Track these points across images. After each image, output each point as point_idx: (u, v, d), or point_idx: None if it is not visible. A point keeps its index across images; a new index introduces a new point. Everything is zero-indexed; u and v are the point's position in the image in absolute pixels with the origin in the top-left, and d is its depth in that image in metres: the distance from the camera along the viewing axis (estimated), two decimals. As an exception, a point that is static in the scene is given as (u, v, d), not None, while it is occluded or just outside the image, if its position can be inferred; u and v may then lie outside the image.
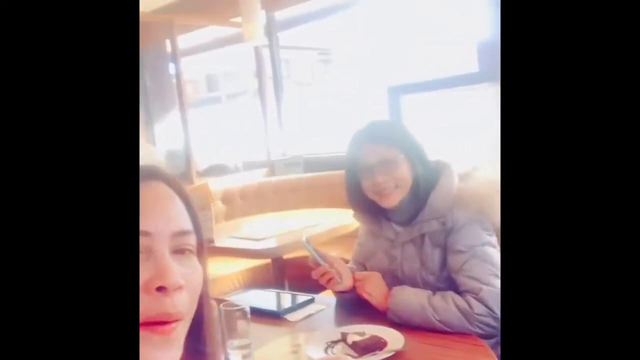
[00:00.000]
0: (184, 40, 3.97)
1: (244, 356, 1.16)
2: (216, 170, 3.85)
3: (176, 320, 0.51)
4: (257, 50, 3.93)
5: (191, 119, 3.63)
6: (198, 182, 3.33)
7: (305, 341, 1.23)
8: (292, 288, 2.22)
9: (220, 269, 2.80)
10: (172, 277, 0.50)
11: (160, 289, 0.50)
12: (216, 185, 3.30)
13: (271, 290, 1.69)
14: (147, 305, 0.49)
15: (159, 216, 0.53)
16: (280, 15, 3.99)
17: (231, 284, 2.80)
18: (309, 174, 3.47)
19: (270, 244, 2.23)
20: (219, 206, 3.32)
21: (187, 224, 0.56)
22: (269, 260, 2.46)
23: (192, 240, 0.56)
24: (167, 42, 3.87)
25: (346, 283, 1.35)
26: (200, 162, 3.80)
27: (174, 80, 4.07)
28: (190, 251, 0.55)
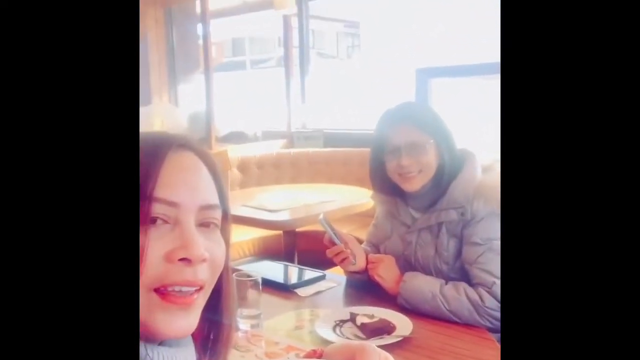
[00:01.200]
0: (214, 1, 3.93)
1: (253, 326, 1.17)
2: (235, 137, 3.85)
3: (197, 290, 0.52)
4: (285, 19, 3.88)
5: (215, 83, 3.61)
6: (217, 147, 3.34)
7: (313, 318, 1.24)
8: (301, 260, 2.24)
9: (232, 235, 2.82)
10: (197, 250, 0.50)
11: (183, 259, 0.50)
12: (234, 152, 3.31)
13: (284, 263, 1.70)
14: (168, 273, 0.50)
15: (188, 188, 0.53)
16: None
17: (241, 251, 2.83)
18: (328, 149, 3.45)
19: (283, 216, 2.24)
20: (234, 174, 3.33)
21: (214, 198, 0.56)
22: (279, 231, 2.47)
23: (217, 214, 0.56)
24: (197, 2, 3.83)
25: (359, 264, 1.35)
26: (221, 127, 3.80)
27: (200, 42, 4.04)
28: (216, 225, 0.55)
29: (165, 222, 0.51)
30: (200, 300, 0.53)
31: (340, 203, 2.39)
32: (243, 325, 1.17)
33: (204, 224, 0.54)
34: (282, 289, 1.42)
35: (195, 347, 0.58)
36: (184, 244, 0.50)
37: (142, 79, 4.34)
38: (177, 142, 0.55)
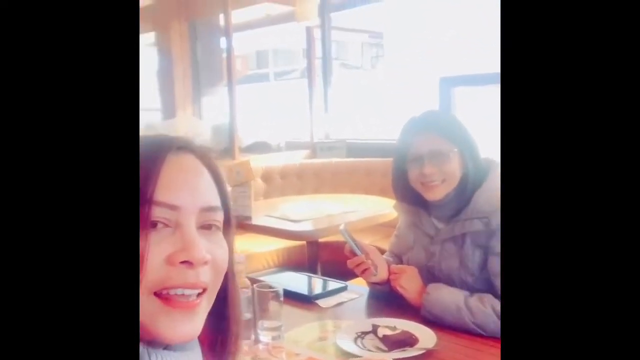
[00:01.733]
0: (237, 15, 3.98)
1: (274, 338, 1.16)
2: (259, 147, 3.88)
3: (200, 293, 0.51)
4: (308, 30, 3.90)
5: (238, 95, 3.65)
6: (240, 157, 3.36)
7: (334, 329, 1.23)
8: (324, 271, 2.22)
9: (255, 246, 2.83)
10: (199, 253, 0.50)
11: (185, 262, 0.50)
12: (257, 162, 3.32)
13: (305, 273, 1.69)
14: (170, 276, 0.49)
15: (188, 190, 0.52)
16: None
17: (265, 262, 2.83)
18: (351, 159, 3.44)
19: (306, 226, 2.23)
20: (258, 184, 3.35)
21: (215, 200, 0.55)
22: (303, 242, 2.46)
23: (219, 216, 0.55)
24: (221, 16, 3.88)
25: (381, 275, 1.33)
26: (244, 138, 3.83)
27: (225, 55, 4.09)
28: (217, 227, 0.55)
29: (166, 225, 0.50)
30: (205, 304, 0.53)
31: (363, 213, 2.37)
32: (264, 337, 1.16)
33: (205, 226, 0.53)
34: (303, 300, 1.40)
35: (203, 351, 0.57)
36: (185, 247, 0.50)
37: (166, 92, 4.42)
38: (177, 144, 0.54)
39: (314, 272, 2.23)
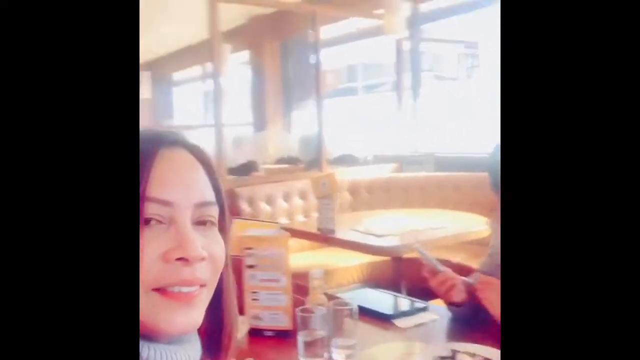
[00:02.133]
0: (327, 31, 4.04)
1: (348, 356, 1.14)
2: (346, 160, 3.88)
3: (198, 288, 0.51)
4: (398, 43, 3.87)
5: (328, 108, 3.69)
6: (328, 169, 3.39)
7: (412, 351, 1.17)
8: (408, 289, 2.16)
9: (340, 260, 2.82)
10: (194, 250, 0.49)
11: (180, 259, 0.49)
12: (344, 175, 3.32)
13: (385, 291, 1.65)
14: (166, 274, 0.49)
15: (181, 186, 0.51)
16: (425, 7, 3.88)
17: (350, 277, 2.81)
18: (439, 173, 3.35)
19: (390, 241, 2.19)
20: (345, 197, 3.35)
21: (210, 195, 0.54)
22: (388, 257, 2.42)
23: (214, 211, 0.54)
24: (311, 32, 3.96)
25: (461, 295, 1.26)
26: (332, 150, 3.86)
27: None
28: (212, 223, 0.54)
29: (160, 222, 0.49)
30: (204, 297, 0.52)
31: (450, 230, 2.28)
32: (337, 355, 1.14)
33: (200, 222, 0.52)
34: (381, 318, 1.37)
35: (202, 344, 0.57)
36: (180, 244, 0.49)
37: (258, 107, 4.59)
38: (168, 140, 0.53)
39: (397, 289, 2.18)
